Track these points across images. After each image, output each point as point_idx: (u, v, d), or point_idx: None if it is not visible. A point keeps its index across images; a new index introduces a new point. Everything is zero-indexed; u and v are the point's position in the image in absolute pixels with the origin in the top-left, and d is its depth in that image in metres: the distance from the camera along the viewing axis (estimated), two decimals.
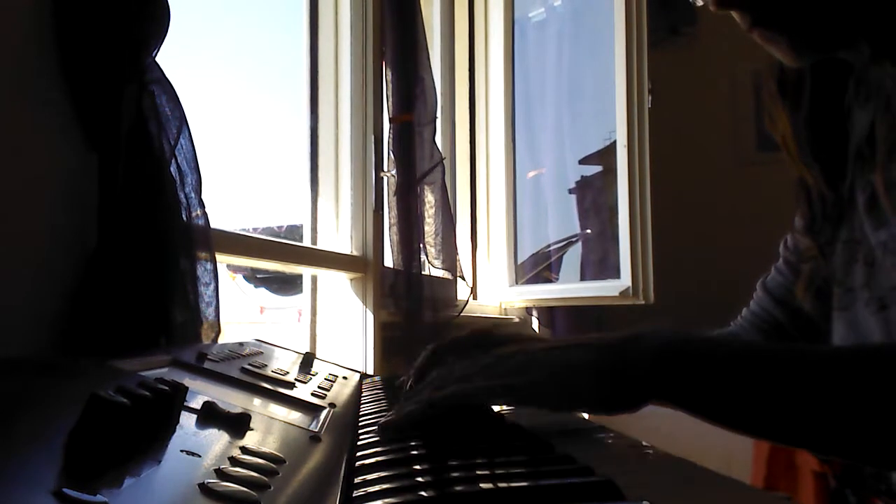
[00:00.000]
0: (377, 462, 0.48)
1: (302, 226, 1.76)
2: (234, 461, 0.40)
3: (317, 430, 0.57)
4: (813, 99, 0.81)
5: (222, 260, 1.21)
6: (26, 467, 0.30)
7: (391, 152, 1.79)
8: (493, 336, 0.89)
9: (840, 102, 0.80)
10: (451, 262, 2.04)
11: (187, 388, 0.45)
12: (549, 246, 2.86)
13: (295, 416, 0.63)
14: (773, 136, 0.85)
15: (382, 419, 0.61)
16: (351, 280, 1.69)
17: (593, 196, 2.83)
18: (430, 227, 1.95)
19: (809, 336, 0.92)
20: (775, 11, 0.68)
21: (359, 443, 0.56)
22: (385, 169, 1.76)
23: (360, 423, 0.65)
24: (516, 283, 2.69)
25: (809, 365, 0.54)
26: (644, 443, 0.57)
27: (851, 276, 0.80)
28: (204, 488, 0.34)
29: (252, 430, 0.49)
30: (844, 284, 0.81)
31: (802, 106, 0.81)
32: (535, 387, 0.58)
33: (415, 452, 0.50)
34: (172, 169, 0.92)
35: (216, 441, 0.44)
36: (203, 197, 0.97)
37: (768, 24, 0.69)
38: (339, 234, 1.72)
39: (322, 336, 1.69)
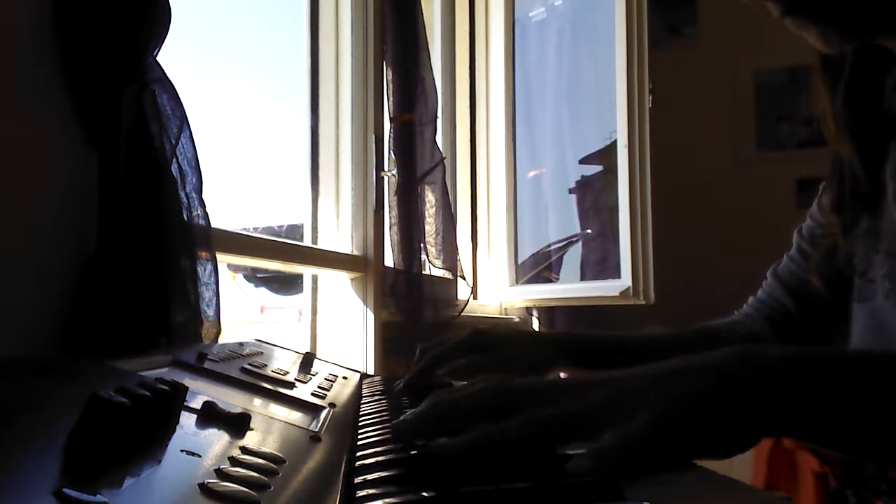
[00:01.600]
0: (377, 462, 0.47)
1: (302, 225, 1.76)
2: (234, 461, 0.40)
3: (317, 430, 0.57)
4: (854, 78, 0.81)
5: (223, 259, 1.22)
6: (27, 467, 0.30)
7: (392, 152, 1.79)
8: (490, 336, 0.89)
9: (882, 84, 0.80)
10: (451, 261, 2.03)
11: (187, 388, 0.45)
12: (549, 246, 2.86)
13: (295, 416, 0.63)
14: (815, 110, 0.85)
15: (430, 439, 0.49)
16: (351, 280, 1.69)
17: (594, 196, 2.83)
18: (430, 226, 1.95)
19: (818, 326, 0.92)
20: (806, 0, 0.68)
21: (359, 443, 0.56)
22: (386, 168, 1.76)
23: (361, 423, 0.65)
24: (516, 283, 2.69)
25: None
26: None
27: (872, 267, 0.80)
28: (204, 488, 0.34)
29: (252, 430, 0.49)
30: (865, 276, 0.81)
31: (841, 84, 0.82)
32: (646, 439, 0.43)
33: (415, 452, 0.50)
34: (173, 168, 0.92)
35: (216, 441, 0.44)
36: (204, 196, 0.97)
37: (800, 12, 0.69)
38: (339, 234, 1.72)
39: (322, 336, 1.69)
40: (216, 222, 1.00)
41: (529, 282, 2.75)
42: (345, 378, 0.96)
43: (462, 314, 2.10)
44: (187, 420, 0.46)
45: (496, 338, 0.89)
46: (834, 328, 0.85)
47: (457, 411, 0.49)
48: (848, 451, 0.49)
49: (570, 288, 2.66)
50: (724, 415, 0.44)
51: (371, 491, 0.40)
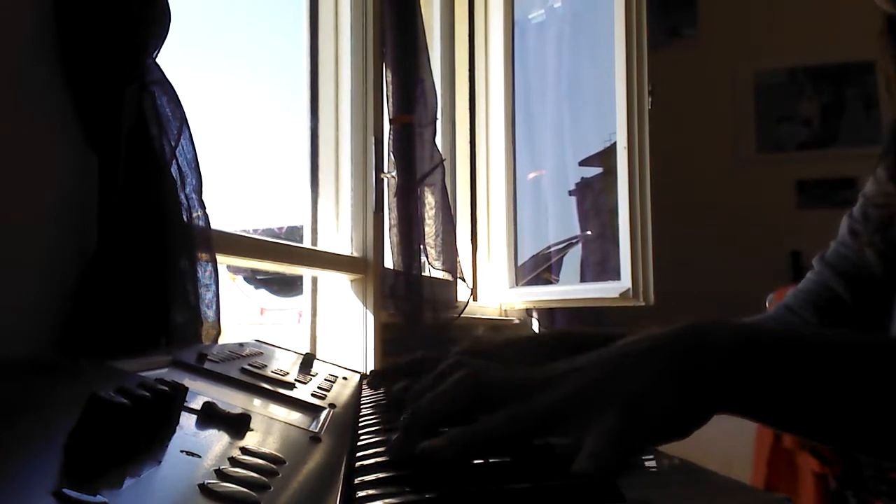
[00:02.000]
0: (377, 462, 0.47)
1: (302, 227, 1.76)
2: (234, 462, 0.40)
3: (317, 430, 0.57)
4: None
5: (223, 261, 1.22)
6: (27, 467, 0.30)
7: (391, 153, 1.79)
8: (486, 350, 0.87)
9: None
10: (451, 263, 2.04)
11: (187, 389, 0.45)
12: (549, 247, 2.86)
13: (295, 417, 0.63)
14: (879, 78, 0.83)
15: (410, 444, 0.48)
16: (351, 281, 1.69)
17: (593, 198, 2.83)
18: (430, 228, 1.95)
19: (871, 308, 0.89)
20: None
21: (359, 443, 0.56)
22: (385, 170, 1.76)
23: (361, 424, 0.65)
24: (516, 285, 2.69)
25: None
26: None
27: None
28: (204, 489, 0.34)
29: (252, 430, 0.49)
30: None
31: None
32: (594, 419, 0.45)
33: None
34: (173, 170, 0.92)
35: (216, 441, 0.44)
36: (203, 198, 0.97)
37: None
38: (339, 236, 1.72)
39: (322, 337, 1.69)
40: (216, 224, 1.00)
41: (529, 283, 2.75)
42: (345, 379, 0.96)
43: (462, 316, 2.10)
44: (187, 420, 0.46)
45: (492, 350, 0.86)
46: (885, 311, 0.83)
47: (439, 414, 0.49)
48: (803, 434, 0.49)
49: (569, 290, 2.66)
50: (681, 397, 0.45)
51: (371, 491, 0.40)
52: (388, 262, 1.79)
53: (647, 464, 0.51)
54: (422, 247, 1.89)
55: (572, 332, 0.95)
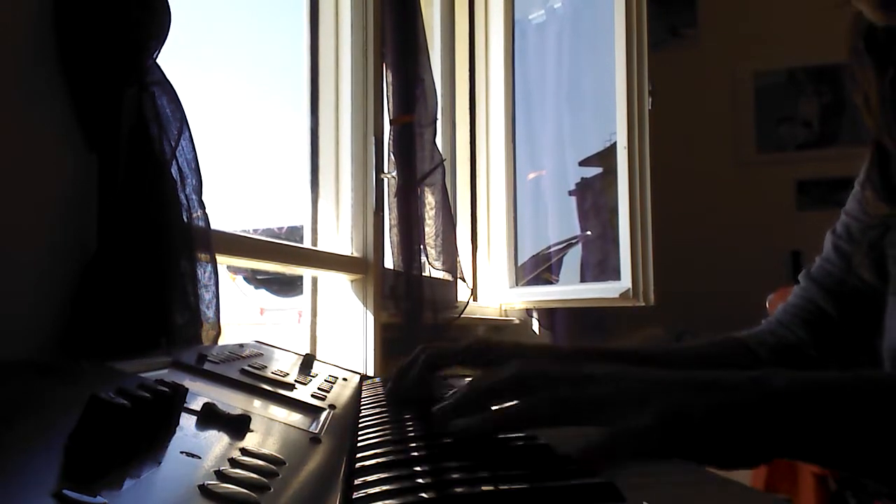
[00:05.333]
0: (377, 463, 0.47)
1: (302, 227, 1.76)
2: (234, 463, 0.40)
3: (317, 431, 0.57)
4: None
5: (223, 261, 1.22)
6: (27, 469, 0.30)
7: (391, 153, 1.79)
8: (494, 349, 0.87)
9: None
10: (451, 263, 2.04)
11: (187, 390, 0.45)
12: (549, 247, 2.86)
13: (295, 418, 0.63)
14: (854, 97, 0.80)
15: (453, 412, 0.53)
16: (351, 281, 1.69)
17: (593, 198, 2.83)
18: (430, 228, 1.95)
19: (856, 326, 0.90)
20: None
21: (359, 444, 0.56)
22: (385, 170, 1.76)
23: (361, 425, 0.65)
24: (516, 285, 2.69)
25: None
26: None
27: None
28: (204, 490, 0.34)
29: (252, 431, 0.49)
30: None
31: (891, 65, 0.77)
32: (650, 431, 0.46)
33: (415, 454, 0.50)
34: (173, 170, 0.92)
35: (216, 442, 0.44)
36: (203, 198, 0.97)
37: None
38: (339, 236, 1.72)
39: (322, 337, 1.69)
40: (216, 224, 1.00)
41: (529, 283, 2.75)
42: (345, 380, 0.96)
43: (462, 316, 2.10)
44: (187, 421, 0.46)
45: (500, 349, 0.87)
46: (871, 326, 0.83)
47: (492, 392, 0.52)
48: (858, 473, 0.50)
49: (569, 290, 2.66)
50: (727, 432, 0.46)
51: (371, 492, 0.40)
52: (389, 263, 1.79)
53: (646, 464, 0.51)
54: (422, 247, 1.89)
55: (586, 348, 0.95)
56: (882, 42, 0.77)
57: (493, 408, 0.52)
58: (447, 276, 2.05)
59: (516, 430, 0.51)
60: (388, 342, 1.69)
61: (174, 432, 0.42)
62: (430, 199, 1.96)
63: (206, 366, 0.69)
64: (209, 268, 0.98)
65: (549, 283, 2.80)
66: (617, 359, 0.90)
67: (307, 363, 0.92)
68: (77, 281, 0.82)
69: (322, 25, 1.76)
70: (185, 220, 0.93)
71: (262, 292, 2.27)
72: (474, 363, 0.85)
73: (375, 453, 0.50)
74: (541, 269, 2.81)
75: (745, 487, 0.41)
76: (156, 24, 0.89)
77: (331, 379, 0.90)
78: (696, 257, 3.31)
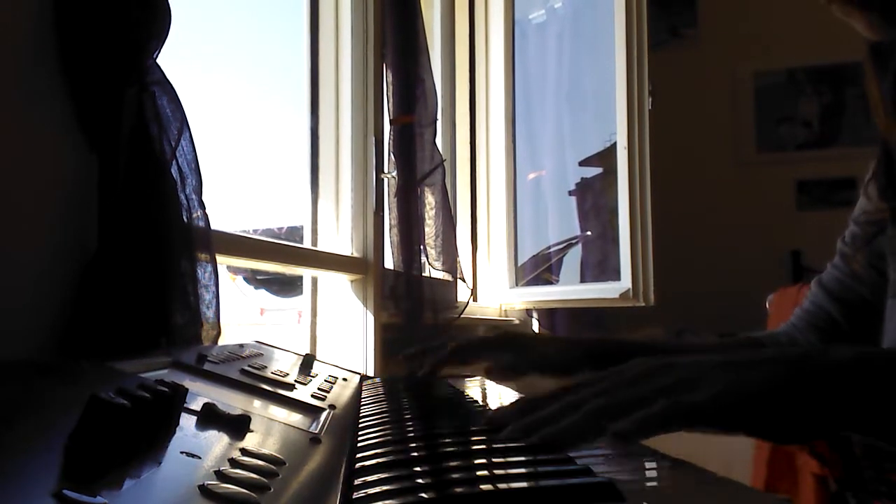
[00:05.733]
0: (377, 464, 0.47)
1: (302, 227, 1.76)
2: (234, 463, 0.40)
3: (317, 431, 0.57)
4: None
5: (223, 261, 1.22)
6: (27, 469, 0.30)
7: (392, 154, 1.79)
8: (520, 337, 0.89)
9: None
10: (451, 263, 2.04)
11: (187, 390, 0.45)
12: (549, 248, 2.86)
13: (295, 418, 0.63)
14: (868, 99, 0.84)
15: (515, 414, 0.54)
16: (351, 281, 1.69)
17: (593, 198, 2.83)
18: (430, 228, 1.95)
19: (863, 331, 0.91)
20: None
21: (359, 444, 0.56)
22: (385, 170, 1.76)
23: (361, 425, 0.65)
24: (516, 285, 2.69)
25: None
26: (644, 444, 0.56)
27: None
28: (204, 490, 0.34)
29: (252, 431, 0.49)
30: None
31: (891, 71, 0.80)
32: (720, 408, 0.49)
33: (415, 454, 0.50)
34: (173, 170, 0.92)
35: (216, 443, 0.44)
36: (203, 198, 0.97)
37: None
38: (339, 236, 1.72)
39: (322, 338, 1.69)
40: (216, 224, 1.00)
41: (529, 284, 2.75)
42: (345, 380, 0.96)
43: (462, 316, 2.10)
44: (187, 422, 0.46)
45: (527, 338, 0.89)
46: (875, 331, 0.84)
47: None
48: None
49: (570, 290, 2.66)
50: (791, 404, 0.48)
51: (371, 492, 0.40)
52: (389, 263, 1.79)
53: (646, 464, 0.51)
54: (422, 247, 1.89)
55: (608, 340, 0.97)
56: (885, 49, 0.80)
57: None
58: (447, 277, 2.05)
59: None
60: (388, 342, 1.69)
61: (174, 432, 0.42)
62: (430, 200, 1.96)
63: (206, 366, 0.69)
64: (209, 268, 0.98)
65: (549, 283, 2.80)
66: (635, 352, 0.91)
67: (307, 363, 0.92)
68: (77, 281, 0.82)
69: (322, 25, 1.76)
70: (185, 220, 0.93)
71: (262, 292, 2.27)
72: (503, 352, 0.87)
73: (375, 453, 0.50)
74: (541, 269, 2.81)
75: (745, 487, 0.41)
76: (156, 24, 0.89)
77: (331, 379, 0.90)
78: (696, 257, 3.31)
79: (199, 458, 0.39)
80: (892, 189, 0.84)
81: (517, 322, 2.70)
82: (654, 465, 0.47)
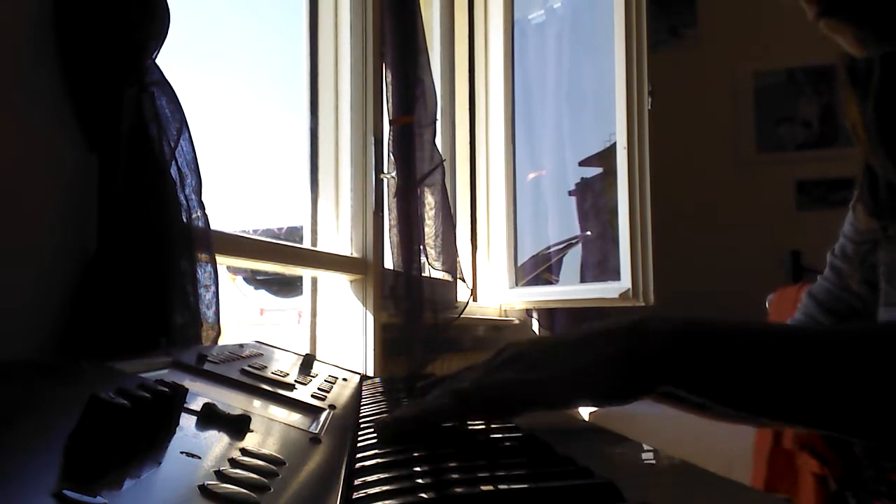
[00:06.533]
0: (377, 464, 0.47)
1: (302, 227, 1.76)
2: (234, 463, 0.40)
3: (317, 431, 0.57)
4: (883, 87, 0.79)
5: (222, 262, 1.22)
6: (27, 469, 0.30)
7: (391, 154, 1.79)
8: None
9: None
10: (451, 263, 2.04)
11: (187, 390, 0.45)
12: (549, 248, 2.86)
13: (295, 418, 0.62)
14: (845, 123, 0.84)
15: (389, 415, 0.60)
16: (351, 282, 1.69)
17: (593, 198, 2.83)
18: (430, 228, 1.95)
19: None
20: (843, 1, 0.68)
21: (359, 444, 0.56)
22: (385, 170, 1.76)
23: (361, 425, 0.65)
24: (516, 285, 2.69)
25: (843, 343, 0.53)
26: (645, 445, 0.57)
27: None
28: (204, 490, 0.34)
29: (252, 431, 0.49)
30: (892, 282, 0.81)
31: (871, 93, 0.80)
32: (544, 384, 0.56)
33: (415, 454, 0.50)
34: (172, 170, 0.92)
35: (216, 443, 0.44)
36: (203, 198, 0.97)
37: (837, 13, 0.68)
38: (339, 236, 1.72)
39: (322, 338, 1.69)
40: (216, 224, 1.00)
41: (529, 284, 2.75)
42: (345, 380, 0.96)
43: (461, 316, 2.10)
44: (187, 422, 0.46)
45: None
46: None
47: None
48: (738, 407, 0.54)
49: (569, 290, 2.66)
50: (620, 372, 0.54)
51: (371, 492, 0.40)
52: (388, 263, 1.79)
53: (646, 463, 0.51)
54: (422, 247, 1.89)
55: None
56: (862, 72, 0.80)
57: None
58: (447, 277, 2.05)
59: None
60: (388, 342, 1.69)
61: (174, 432, 0.42)
62: (429, 200, 1.96)
63: (206, 366, 0.69)
64: (209, 268, 0.98)
65: (549, 283, 2.80)
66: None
67: (307, 363, 0.92)
68: (77, 281, 0.82)
69: (321, 26, 1.76)
70: (185, 220, 0.93)
71: (262, 293, 2.27)
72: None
73: (375, 453, 0.50)
74: (541, 269, 2.81)
75: (745, 487, 0.41)
76: (155, 24, 0.89)
77: (331, 379, 0.90)
78: (696, 257, 3.31)
79: (199, 458, 0.39)
80: (879, 209, 0.85)
81: (517, 322, 2.70)
82: (654, 465, 0.47)
